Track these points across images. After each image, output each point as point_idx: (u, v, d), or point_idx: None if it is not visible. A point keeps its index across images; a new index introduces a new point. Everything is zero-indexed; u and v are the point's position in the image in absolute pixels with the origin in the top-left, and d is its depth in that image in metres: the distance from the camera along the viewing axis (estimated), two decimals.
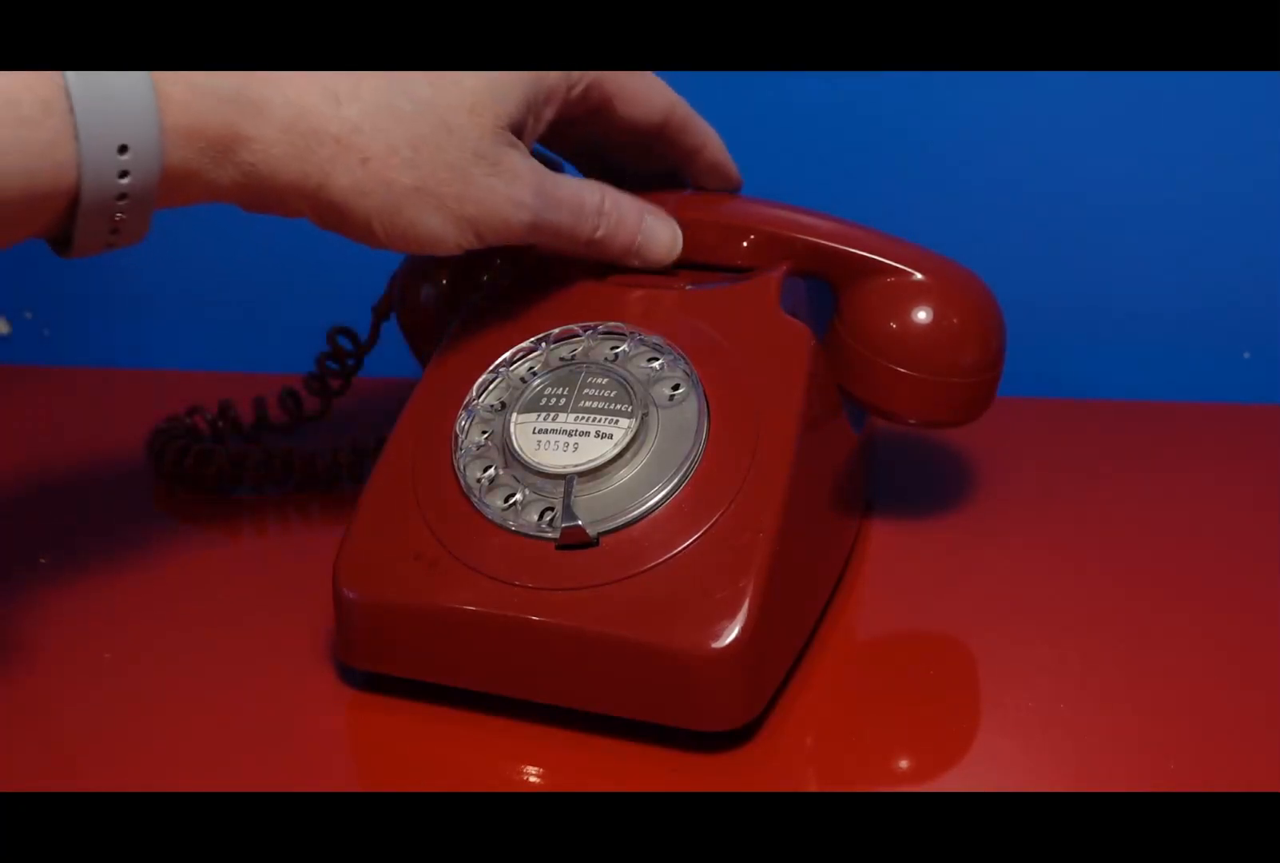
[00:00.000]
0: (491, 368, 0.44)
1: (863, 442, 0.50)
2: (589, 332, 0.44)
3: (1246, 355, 0.65)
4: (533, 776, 0.39)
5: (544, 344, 0.44)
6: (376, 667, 0.42)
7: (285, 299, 0.72)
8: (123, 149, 0.35)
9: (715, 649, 0.37)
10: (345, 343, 0.58)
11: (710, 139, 0.49)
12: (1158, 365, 0.65)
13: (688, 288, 0.46)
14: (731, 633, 0.37)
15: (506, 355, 0.44)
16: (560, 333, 0.45)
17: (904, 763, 0.39)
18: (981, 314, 0.46)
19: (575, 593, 0.39)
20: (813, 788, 0.39)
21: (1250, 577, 0.48)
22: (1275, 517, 0.52)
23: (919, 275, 0.45)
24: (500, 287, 0.48)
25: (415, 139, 0.39)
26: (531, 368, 0.44)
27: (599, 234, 0.44)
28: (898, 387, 0.46)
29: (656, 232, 0.46)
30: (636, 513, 0.40)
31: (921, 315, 0.45)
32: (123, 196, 0.36)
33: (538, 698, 0.40)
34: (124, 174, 0.35)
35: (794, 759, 0.39)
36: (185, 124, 0.36)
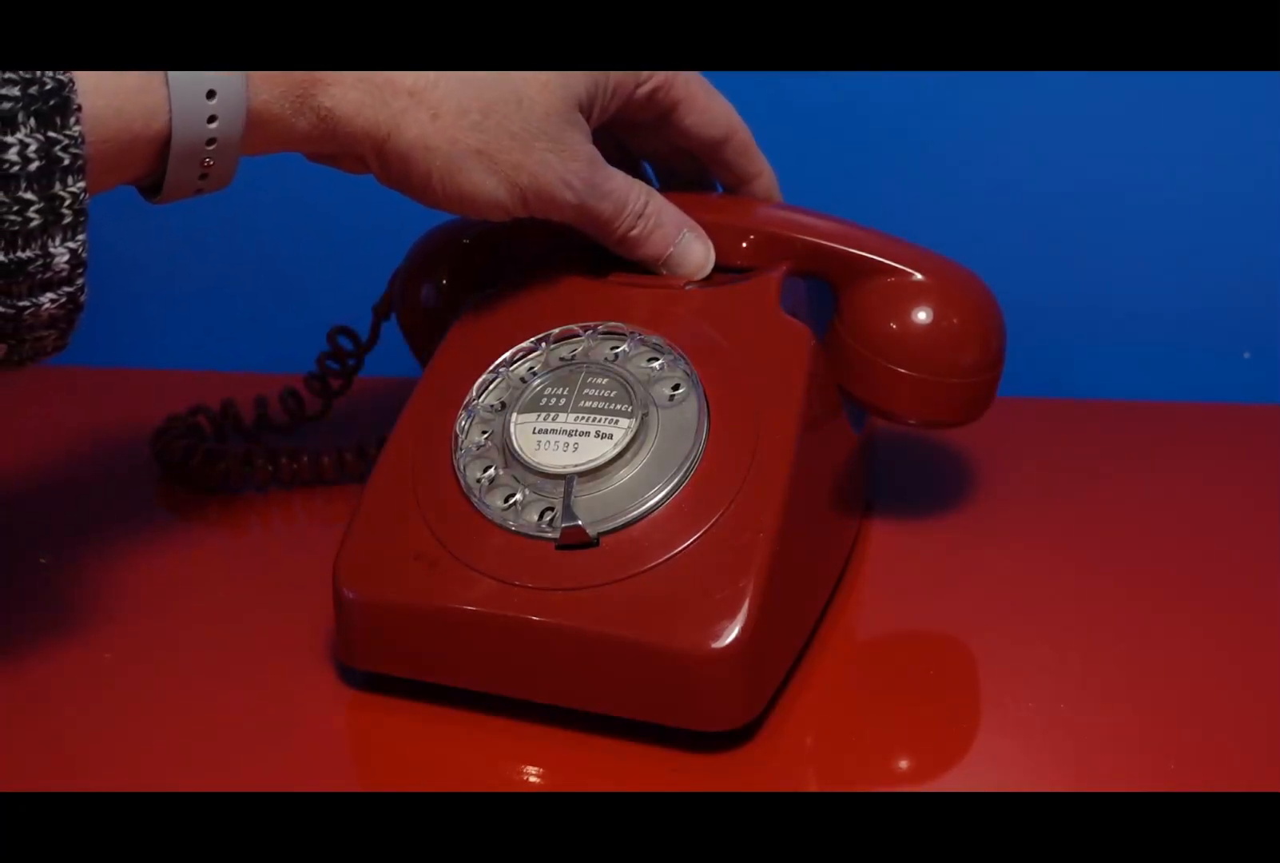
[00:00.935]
0: (491, 368, 0.44)
1: (863, 442, 0.50)
2: (589, 332, 0.44)
3: (1246, 355, 0.65)
4: (533, 776, 0.39)
5: (544, 344, 0.44)
6: (376, 667, 0.42)
7: (285, 299, 0.71)
8: (210, 94, 0.37)
9: (715, 649, 0.37)
10: (346, 343, 0.58)
11: (766, 171, 0.50)
12: (1158, 365, 0.65)
13: (688, 288, 0.46)
14: (731, 633, 0.37)
15: (506, 355, 0.44)
16: (560, 333, 0.45)
17: (904, 763, 0.39)
18: (981, 314, 0.46)
19: (575, 593, 0.39)
20: (813, 788, 0.39)
21: (1250, 577, 0.48)
22: (1275, 517, 0.52)
23: (919, 276, 0.45)
24: (500, 287, 0.48)
25: (485, 104, 0.40)
26: (531, 368, 0.44)
27: (634, 234, 0.45)
28: (898, 387, 0.46)
29: (691, 248, 0.46)
30: (636, 513, 0.40)
31: (921, 316, 0.45)
32: (211, 141, 0.38)
33: (538, 698, 0.40)
34: (212, 119, 0.37)
35: (794, 759, 0.39)
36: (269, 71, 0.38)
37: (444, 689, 0.41)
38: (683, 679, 0.38)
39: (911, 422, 0.47)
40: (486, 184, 0.41)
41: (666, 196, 0.47)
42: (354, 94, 0.39)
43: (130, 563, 0.50)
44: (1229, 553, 0.50)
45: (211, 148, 0.38)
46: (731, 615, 0.38)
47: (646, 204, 0.45)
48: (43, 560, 0.50)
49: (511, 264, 0.49)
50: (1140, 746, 0.39)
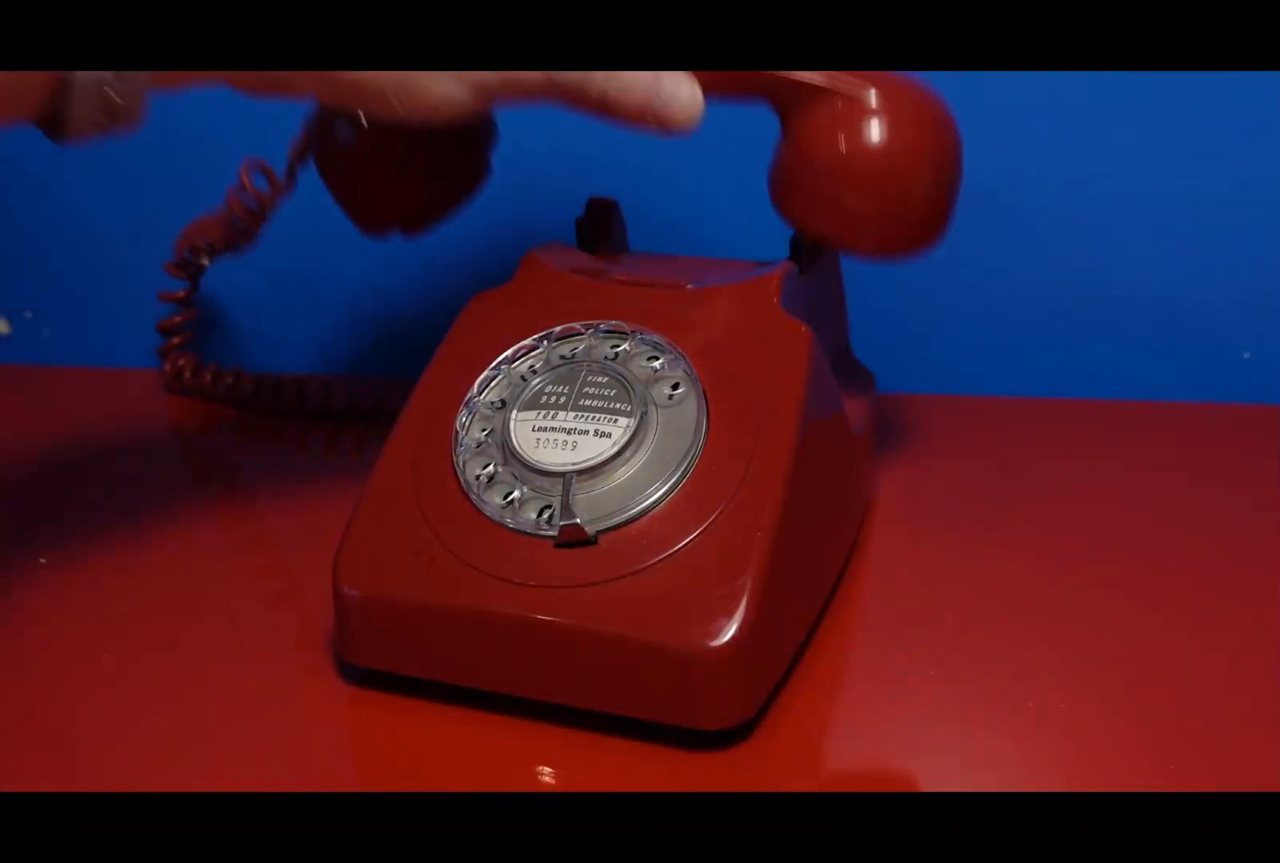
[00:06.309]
0: (493, 365, 0.44)
1: (863, 441, 0.50)
2: (590, 330, 0.44)
3: (1246, 355, 0.65)
4: (528, 774, 0.39)
5: (545, 342, 0.44)
6: (375, 664, 0.42)
7: (284, 299, 0.71)
8: None
9: (713, 647, 0.37)
10: (260, 182, 0.56)
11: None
12: (1158, 365, 0.65)
13: (689, 287, 0.46)
14: (729, 631, 0.37)
15: (508, 353, 0.44)
16: (562, 331, 0.45)
17: (902, 763, 0.39)
18: (934, 134, 0.45)
19: (573, 591, 0.39)
20: (809, 788, 0.39)
21: (1250, 577, 0.48)
22: (1275, 517, 0.52)
23: (866, 95, 0.44)
24: (503, 284, 0.48)
25: None
26: (532, 366, 0.44)
27: (611, 92, 0.42)
28: (849, 215, 0.45)
29: (676, 87, 0.43)
30: (635, 511, 0.40)
31: (871, 137, 0.44)
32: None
33: (535, 696, 0.40)
34: None
35: (791, 759, 0.39)
36: None
37: (442, 686, 0.41)
38: (680, 677, 0.38)
39: (866, 252, 0.46)
40: (445, 87, 0.39)
41: None
42: None
43: (128, 562, 0.50)
44: (1228, 553, 0.50)
45: (117, 82, 0.35)
46: (729, 613, 0.38)
47: None
48: (42, 560, 0.50)
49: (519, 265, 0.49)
50: (1140, 746, 0.39)
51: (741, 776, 0.38)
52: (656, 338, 0.43)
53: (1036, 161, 0.64)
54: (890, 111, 0.44)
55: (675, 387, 0.42)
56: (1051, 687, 0.42)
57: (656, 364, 0.43)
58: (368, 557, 0.41)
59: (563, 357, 0.44)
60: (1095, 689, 0.42)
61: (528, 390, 0.43)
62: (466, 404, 0.44)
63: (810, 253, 0.48)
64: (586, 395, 0.42)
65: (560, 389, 0.42)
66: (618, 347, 0.44)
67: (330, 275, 0.70)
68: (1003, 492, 0.54)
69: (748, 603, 0.38)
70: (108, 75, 0.35)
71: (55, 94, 0.35)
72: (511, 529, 0.40)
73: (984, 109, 0.63)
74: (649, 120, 0.43)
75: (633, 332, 0.44)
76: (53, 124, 0.36)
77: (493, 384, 0.44)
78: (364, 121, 0.47)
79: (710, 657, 0.37)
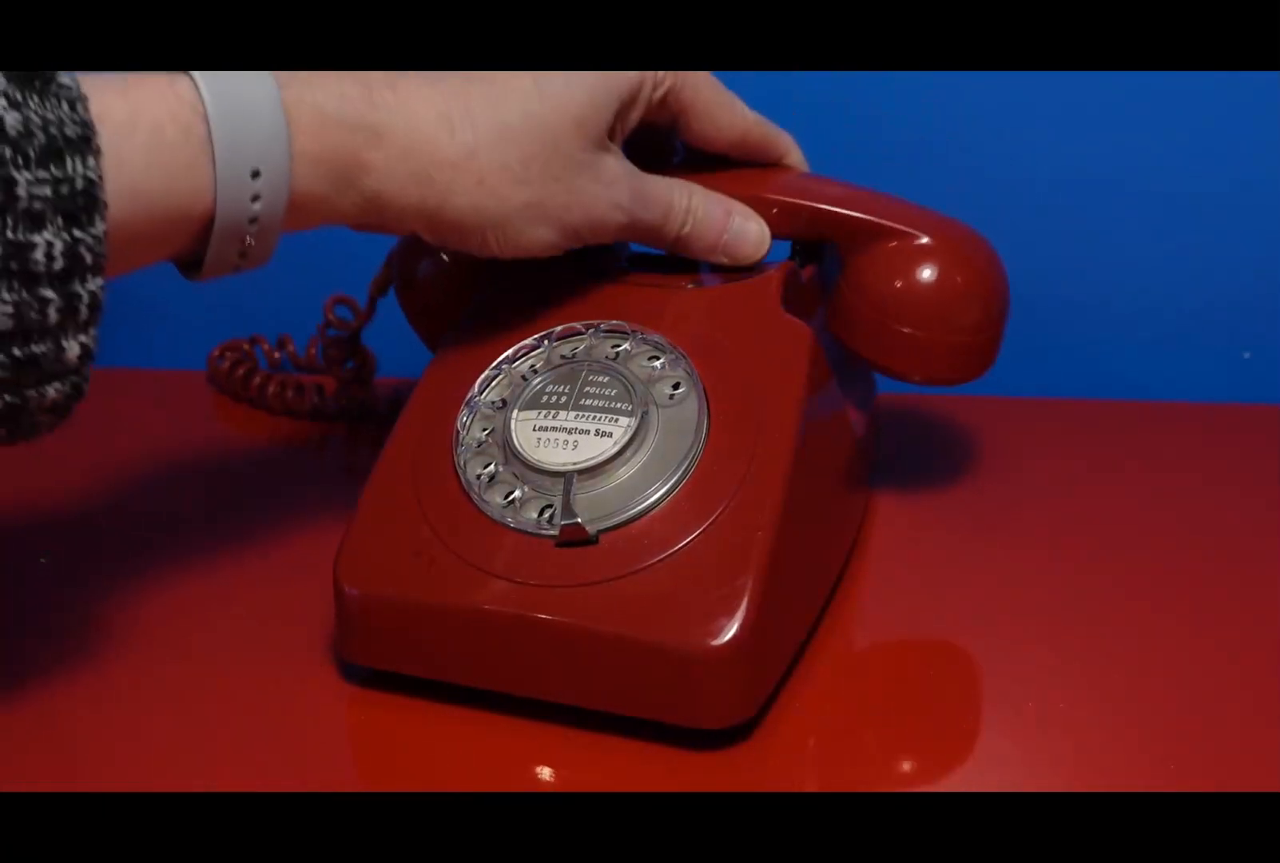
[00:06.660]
0: (494, 364, 0.44)
1: (864, 440, 0.50)
2: (591, 330, 0.44)
3: (1246, 355, 0.65)
4: (528, 774, 0.39)
5: (546, 342, 0.44)
6: (376, 663, 0.42)
7: (285, 300, 0.71)
8: (255, 174, 0.37)
9: (713, 647, 0.37)
10: (345, 313, 0.61)
11: (788, 153, 0.50)
12: (1158, 365, 0.65)
13: (689, 287, 0.46)
14: (730, 630, 0.37)
15: (509, 352, 0.45)
16: (563, 331, 0.45)
17: (903, 763, 0.39)
18: (983, 274, 0.47)
19: (574, 590, 0.39)
20: (810, 788, 0.39)
21: (1250, 577, 0.48)
22: (1275, 517, 0.52)
23: (922, 238, 0.46)
24: (503, 284, 0.48)
25: (525, 157, 0.41)
26: (533, 365, 0.44)
27: (685, 231, 0.46)
28: (901, 347, 0.47)
29: (745, 230, 0.47)
30: (636, 511, 0.40)
31: (924, 276, 0.46)
32: (253, 220, 0.37)
33: (536, 695, 0.40)
34: (255, 198, 0.37)
35: (791, 758, 0.39)
36: (313, 151, 0.38)
37: (442, 686, 0.41)
38: (681, 676, 0.38)
39: (915, 380, 0.48)
40: (538, 232, 0.42)
41: (667, 170, 0.47)
42: (398, 174, 0.39)
43: (128, 562, 0.50)
44: (1228, 553, 0.50)
45: (253, 226, 0.37)
46: (730, 613, 0.38)
47: (690, 199, 0.46)
48: (42, 560, 0.50)
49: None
50: (1140, 746, 0.39)
51: (741, 776, 0.38)
52: (657, 338, 0.43)
53: (1036, 161, 0.64)
54: (944, 252, 0.46)
55: (676, 386, 0.42)
56: (1051, 687, 0.42)
57: (657, 364, 0.43)
58: (368, 556, 0.41)
59: (563, 356, 0.44)
60: (1095, 689, 0.42)
61: (528, 390, 0.43)
62: (467, 404, 0.44)
63: (810, 253, 0.48)
64: (587, 395, 0.42)
65: (561, 389, 0.42)
66: (618, 346, 0.44)
67: (325, 280, 0.70)
68: (1003, 492, 0.54)
69: (748, 603, 0.38)
70: (248, 223, 0.37)
71: (199, 238, 0.37)
72: (512, 529, 0.40)
73: (985, 109, 0.63)
74: (719, 256, 0.47)
75: (633, 331, 0.44)
76: (189, 264, 0.39)
77: (493, 384, 0.44)
78: (446, 258, 0.51)
79: (710, 657, 0.37)
